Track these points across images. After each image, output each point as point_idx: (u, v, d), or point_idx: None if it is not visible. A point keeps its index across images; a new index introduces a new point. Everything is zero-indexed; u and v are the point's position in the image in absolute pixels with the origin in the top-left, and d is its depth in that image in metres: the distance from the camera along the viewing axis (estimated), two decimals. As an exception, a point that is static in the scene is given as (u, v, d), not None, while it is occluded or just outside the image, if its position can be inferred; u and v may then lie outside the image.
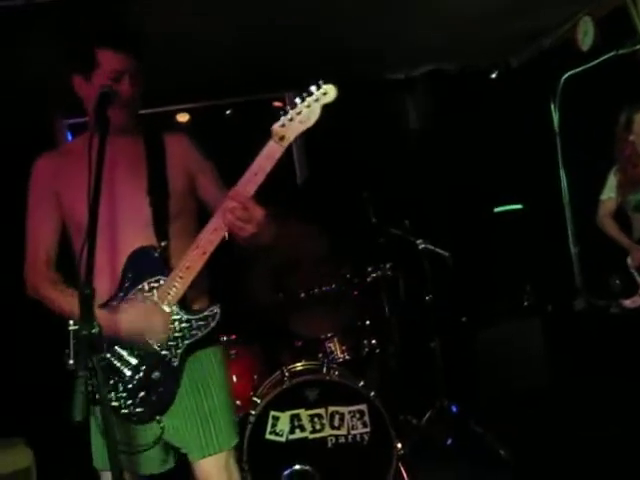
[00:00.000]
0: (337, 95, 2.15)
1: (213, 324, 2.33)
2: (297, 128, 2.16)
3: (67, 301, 2.27)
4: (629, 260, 4.09)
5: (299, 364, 3.98)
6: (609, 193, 4.24)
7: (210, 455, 2.42)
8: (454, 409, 4.41)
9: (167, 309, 2.29)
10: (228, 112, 6.15)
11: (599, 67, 4.83)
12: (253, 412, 3.70)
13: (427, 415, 4.41)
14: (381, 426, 3.66)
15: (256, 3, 4.03)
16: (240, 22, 4.26)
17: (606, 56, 4.74)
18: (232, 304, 4.43)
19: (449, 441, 4.27)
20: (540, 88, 5.50)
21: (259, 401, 3.75)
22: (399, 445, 3.77)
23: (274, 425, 3.66)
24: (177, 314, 2.30)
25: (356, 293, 4.33)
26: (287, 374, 3.84)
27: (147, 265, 2.33)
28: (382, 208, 4.55)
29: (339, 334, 4.30)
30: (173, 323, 2.30)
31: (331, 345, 4.30)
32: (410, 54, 5.41)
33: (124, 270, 2.32)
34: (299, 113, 2.15)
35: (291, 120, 2.15)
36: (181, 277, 2.27)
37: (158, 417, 2.33)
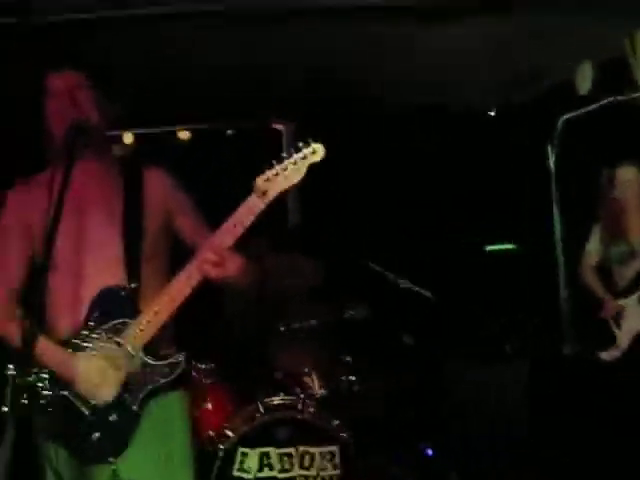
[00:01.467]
0: (324, 155, 2.10)
1: (177, 372, 2.28)
2: (281, 184, 2.11)
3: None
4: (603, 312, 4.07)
5: (275, 398, 3.92)
6: (593, 245, 4.24)
7: None
8: (430, 452, 4.34)
9: (131, 353, 2.22)
10: (229, 132, 6.15)
11: (597, 112, 4.80)
12: (222, 447, 3.64)
13: (401, 458, 4.33)
14: (351, 469, 3.61)
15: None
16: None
17: (604, 102, 4.71)
18: (212, 332, 4.46)
19: (422, 486, 4.20)
20: (538, 128, 5.46)
21: (231, 434, 3.69)
22: (369, 489, 3.71)
23: (242, 462, 3.61)
24: (142, 359, 2.23)
25: (336, 329, 4.27)
26: (261, 408, 3.79)
27: (114, 306, 2.26)
28: (369, 245, 4.51)
29: (318, 369, 4.23)
30: (135, 367, 2.23)
31: (309, 380, 4.24)
32: (408, 89, 5.38)
33: (90, 308, 2.26)
34: (285, 169, 2.10)
35: (276, 175, 2.10)
36: (149, 322, 2.21)
37: (111, 459, 2.26)
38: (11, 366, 1.97)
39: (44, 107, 2.31)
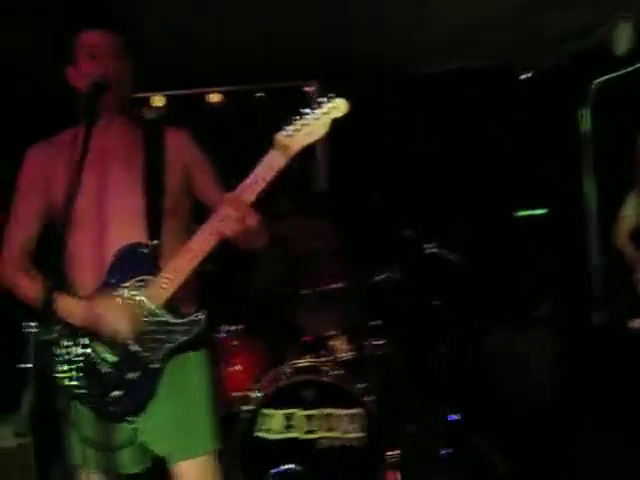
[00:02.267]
0: (347, 110, 2.05)
1: (197, 330, 2.27)
2: (303, 140, 2.07)
3: (35, 288, 2.23)
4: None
5: (301, 361, 3.93)
6: (628, 210, 4.13)
7: (187, 459, 2.36)
8: (455, 418, 4.33)
9: (152, 310, 2.23)
10: (259, 95, 6.12)
11: (633, 74, 4.67)
12: (247, 407, 3.67)
13: (426, 422, 4.34)
14: (376, 431, 3.60)
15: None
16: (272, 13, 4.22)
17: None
18: (240, 294, 4.48)
19: (447, 450, 4.19)
20: (571, 92, 5.34)
21: (257, 395, 3.72)
22: (393, 452, 3.70)
23: (267, 423, 3.62)
24: (162, 316, 2.24)
25: (363, 293, 4.26)
26: (287, 370, 3.81)
27: (135, 263, 2.26)
28: (398, 209, 4.47)
29: (345, 332, 4.24)
30: (155, 325, 2.24)
31: (336, 343, 4.25)
32: (438, 49, 5.29)
33: (111, 266, 2.26)
34: (307, 125, 2.06)
35: (297, 131, 2.06)
36: (169, 279, 2.21)
37: (130, 418, 2.28)
38: (32, 323, 1.99)
39: (74, 63, 2.30)
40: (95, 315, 2.20)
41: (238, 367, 4.19)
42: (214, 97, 5.96)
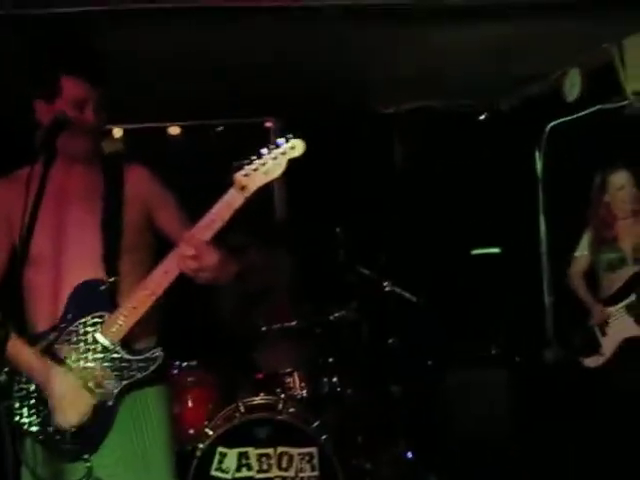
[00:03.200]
0: (303, 151, 2.11)
1: (153, 367, 2.27)
2: (260, 179, 2.11)
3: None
4: (591, 320, 4.08)
5: (256, 398, 3.93)
6: (582, 250, 4.24)
7: None
8: (409, 455, 4.34)
9: (108, 347, 2.23)
10: (219, 129, 6.15)
11: (584, 119, 4.81)
12: (201, 445, 3.65)
13: (381, 460, 4.34)
14: (330, 471, 3.61)
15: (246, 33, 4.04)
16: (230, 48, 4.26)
17: (591, 109, 4.72)
18: (196, 329, 4.46)
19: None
20: (526, 134, 5.47)
21: (210, 433, 3.70)
22: (348, 490, 3.70)
23: (221, 461, 3.62)
24: (118, 353, 2.24)
25: (319, 330, 4.28)
26: (242, 408, 3.80)
27: (92, 299, 2.27)
28: (355, 246, 4.51)
29: (299, 370, 4.24)
30: (110, 361, 2.24)
31: (290, 381, 4.25)
32: (400, 90, 5.39)
33: (68, 302, 2.26)
34: (264, 164, 2.10)
35: (255, 170, 2.10)
36: (126, 316, 2.21)
37: (85, 456, 2.26)
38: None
39: (48, 100, 2.28)
40: (47, 382, 2.21)
41: (192, 403, 4.15)
42: (173, 130, 5.97)
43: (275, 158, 2.10)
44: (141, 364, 2.26)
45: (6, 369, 1.74)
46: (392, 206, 5.74)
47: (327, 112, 5.51)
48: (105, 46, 3.69)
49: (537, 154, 5.43)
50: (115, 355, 2.24)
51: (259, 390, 4.03)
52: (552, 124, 5.14)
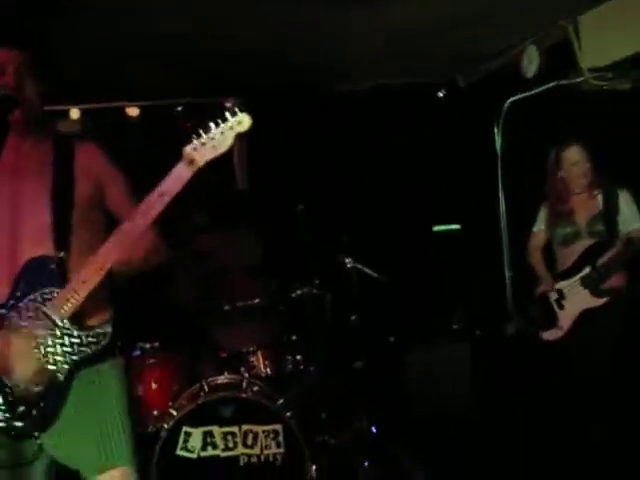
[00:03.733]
0: (250, 125, 2.13)
1: (104, 342, 2.28)
2: (208, 153, 2.13)
3: None
4: (549, 294, 4.13)
5: (220, 377, 3.93)
6: (540, 225, 4.29)
7: (102, 472, 2.32)
8: (374, 430, 4.39)
9: (57, 323, 2.22)
10: (179, 109, 6.08)
11: (541, 95, 4.86)
12: (166, 426, 3.64)
13: (345, 436, 4.38)
14: (295, 447, 3.64)
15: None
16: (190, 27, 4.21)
17: (548, 85, 4.77)
18: (156, 310, 4.43)
19: (366, 463, 4.23)
20: (485, 110, 5.50)
21: (175, 413, 3.69)
22: (313, 467, 3.72)
23: (186, 441, 3.61)
24: (67, 329, 2.23)
25: (282, 308, 4.28)
26: (206, 387, 3.80)
27: (42, 276, 2.26)
28: (317, 223, 4.51)
29: (263, 348, 4.25)
30: (60, 337, 2.22)
31: (254, 359, 4.25)
32: (356, 67, 5.39)
33: (17, 279, 2.26)
34: (212, 138, 2.12)
35: (203, 144, 2.13)
36: (76, 291, 2.20)
37: (36, 433, 2.24)
38: None
39: None
40: None
41: (155, 385, 4.14)
42: (132, 111, 5.89)
43: (223, 133, 2.13)
44: (91, 339, 2.26)
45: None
46: (353, 183, 5.76)
47: (286, 91, 5.49)
48: (62, 26, 3.70)
49: (496, 130, 5.45)
50: (65, 331, 2.23)
51: (223, 369, 4.03)
52: (511, 100, 5.17)
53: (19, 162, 2.33)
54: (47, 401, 2.24)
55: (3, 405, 2.22)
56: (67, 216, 2.32)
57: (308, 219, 4.48)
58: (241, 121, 2.13)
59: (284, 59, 4.94)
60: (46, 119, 2.44)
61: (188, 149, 2.13)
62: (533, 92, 4.92)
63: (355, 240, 4.61)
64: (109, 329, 2.29)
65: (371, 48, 4.92)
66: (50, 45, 2.49)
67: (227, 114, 2.14)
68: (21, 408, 2.22)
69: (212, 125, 2.13)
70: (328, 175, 5.67)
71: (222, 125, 2.13)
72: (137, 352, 4.17)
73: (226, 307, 4.17)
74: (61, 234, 2.30)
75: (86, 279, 2.19)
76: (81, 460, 2.34)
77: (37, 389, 2.23)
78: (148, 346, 4.21)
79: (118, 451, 2.36)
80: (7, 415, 2.22)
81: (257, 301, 4.20)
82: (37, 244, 2.28)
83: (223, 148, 2.14)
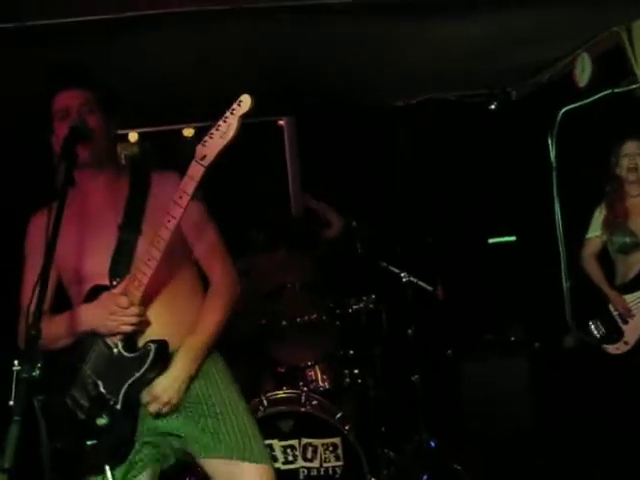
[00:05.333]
0: (252, 105, 2.15)
1: (148, 362, 2.30)
2: (217, 144, 2.15)
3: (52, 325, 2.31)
4: (611, 307, 4.04)
5: (279, 392, 3.98)
6: (594, 231, 4.21)
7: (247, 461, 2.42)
8: (432, 444, 4.38)
9: (112, 347, 2.32)
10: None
11: (596, 104, 4.81)
12: (226, 440, 3.70)
13: (404, 449, 4.38)
14: (354, 460, 3.66)
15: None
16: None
17: (602, 93, 4.72)
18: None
19: (425, 477, 4.23)
20: (538, 121, 5.47)
21: (235, 428, 3.75)
22: (372, 479, 3.74)
23: (246, 455, 3.65)
24: (119, 352, 2.30)
25: (339, 323, 4.32)
26: (265, 402, 3.84)
27: None
28: (372, 238, 4.55)
29: (321, 363, 4.29)
30: (114, 363, 2.30)
31: (312, 374, 4.30)
32: (409, 82, 5.42)
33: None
34: (218, 129, 2.15)
35: (211, 138, 2.15)
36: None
37: (107, 466, 2.27)
38: (16, 362, 2.04)
39: (52, 127, 2.39)
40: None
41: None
42: (188, 132, 6.03)
43: (226, 119, 2.14)
44: (136, 361, 2.30)
45: (39, 364, 1.79)
46: (407, 197, 5.78)
47: (338, 108, 5.55)
48: (109, 52, 3.84)
49: (550, 141, 5.42)
50: (117, 355, 2.30)
51: (282, 384, 4.09)
52: (564, 109, 5.13)
53: (91, 201, 2.42)
54: (115, 432, 2.28)
55: (75, 439, 2.27)
56: (131, 245, 2.36)
57: (363, 235, 4.51)
58: (241, 103, 2.14)
59: (336, 76, 5.01)
60: (117, 154, 2.53)
61: (199, 146, 2.16)
62: (587, 101, 4.89)
63: (410, 254, 4.62)
64: (151, 347, 2.31)
65: (423, 62, 4.95)
66: (108, 80, 2.57)
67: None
68: (91, 442, 2.27)
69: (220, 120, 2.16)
70: (382, 189, 5.71)
71: (226, 113, 2.15)
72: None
73: (284, 323, 4.22)
74: (120, 262, 2.35)
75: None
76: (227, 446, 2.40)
77: (101, 422, 2.27)
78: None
79: (259, 449, 2.49)
80: (80, 449, 2.27)
81: (314, 317, 4.24)
82: (99, 274, 2.35)
83: (230, 135, 2.14)
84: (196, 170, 2.16)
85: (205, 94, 5.08)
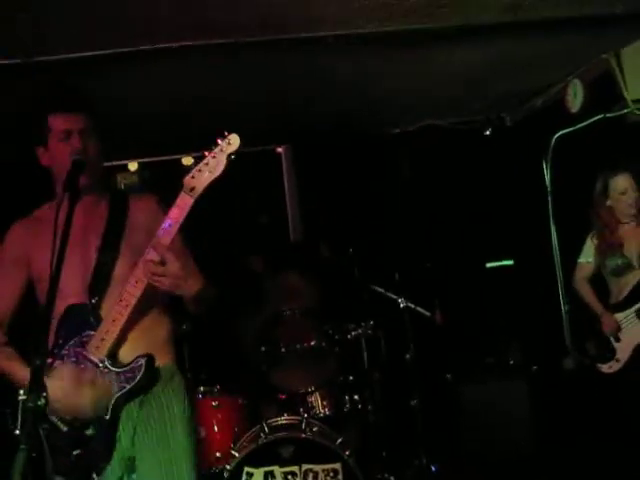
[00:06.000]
0: (239, 146, 2.26)
1: (139, 375, 2.36)
2: (206, 178, 2.26)
3: (8, 365, 2.41)
4: (602, 326, 4.10)
5: (280, 419, 4.01)
6: (587, 257, 4.26)
7: None
8: (433, 469, 4.40)
9: (98, 363, 2.34)
10: (232, 157, 6.25)
11: (588, 129, 4.89)
12: (228, 467, 3.74)
13: (405, 474, 4.40)
14: (356, 485, 3.68)
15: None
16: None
17: (594, 118, 4.80)
18: (217, 355, 4.56)
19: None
20: (533, 146, 5.55)
21: (237, 454, 3.78)
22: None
23: (248, 481, 3.69)
24: (106, 367, 2.35)
25: (338, 349, 4.36)
26: (266, 429, 3.87)
27: (78, 322, 2.40)
28: (369, 265, 4.60)
29: (321, 389, 4.32)
30: (102, 377, 2.35)
31: (312, 400, 4.33)
32: (405, 110, 5.51)
33: (57, 327, 2.40)
34: (207, 164, 2.25)
35: (200, 172, 2.26)
36: (108, 331, 2.33)
37: (94, 476, 2.34)
38: (21, 391, 2.10)
39: (44, 145, 2.45)
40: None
41: (217, 427, 4.24)
42: (187, 160, 6.10)
43: (215, 157, 2.25)
44: (128, 375, 2.36)
45: (45, 393, 1.84)
46: (404, 224, 5.84)
47: (335, 136, 5.64)
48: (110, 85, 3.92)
49: (544, 165, 5.50)
50: (104, 370, 2.35)
51: (282, 410, 4.12)
52: (558, 134, 5.21)
53: (77, 217, 2.40)
54: (99, 441, 2.35)
55: (60, 450, 2.33)
56: (109, 266, 2.43)
57: (360, 261, 4.56)
58: (230, 142, 2.26)
59: (334, 105, 5.09)
60: (105, 176, 2.59)
61: (187, 178, 2.26)
62: (580, 126, 4.97)
63: (408, 280, 4.67)
64: (142, 361, 2.37)
65: (421, 91, 5.04)
66: (107, 107, 2.66)
67: (218, 139, 2.27)
68: (76, 452, 2.33)
69: (206, 153, 2.27)
70: (380, 215, 5.77)
71: (214, 150, 2.26)
72: (199, 396, 4.28)
73: (283, 350, 4.26)
74: (98, 282, 2.41)
75: (115, 317, 2.32)
76: None
77: (88, 432, 2.33)
78: (210, 390, 4.33)
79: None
80: (65, 460, 2.33)
81: (313, 343, 4.28)
82: (77, 293, 2.41)
83: (218, 171, 2.26)
84: (185, 201, 2.27)
85: (204, 125, 5.17)
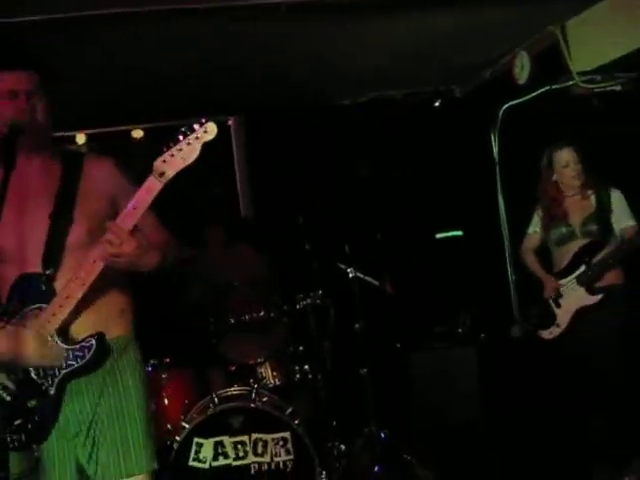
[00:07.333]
0: (216, 134, 2.16)
1: (89, 355, 2.31)
2: (178, 164, 2.17)
3: None
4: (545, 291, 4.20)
5: (230, 389, 4.03)
6: (534, 227, 4.34)
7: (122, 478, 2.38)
8: (383, 436, 4.45)
9: (45, 338, 2.28)
10: (182, 129, 6.20)
11: (535, 100, 4.95)
12: (177, 438, 3.74)
13: (355, 442, 4.45)
14: (304, 454, 3.72)
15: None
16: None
17: (541, 90, 4.86)
18: (166, 327, 4.54)
19: (376, 468, 4.30)
20: (481, 118, 5.60)
21: (186, 426, 3.79)
22: (323, 472, 3.81)
23: (198, 452, 3.70)
24: (55, 343, 2.30)
25: (287, 319, 4.37)
26: (216, 400, 3.89)
27: (30, 293, 2.32)
28: (318, 235, 4.60)
29: (270, 360, 4.34)
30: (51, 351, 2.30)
31: (262, 370, 4.36)
32: (355, 81, 5.50)
33: (8, 296, 2.34)
34: (180, 150, 2.16)
35: (172, 156, 2.16)
36: (61, 306, 2.27)
37: (34, 446, 2.31)
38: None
39: None
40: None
41: (168, 400, 4.24)
42: (137, 133, 6.03)
43: (190, 143, 2.15)
44: (77, 353, 2.30)
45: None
46: (353, 194, 5.87)
47: (285, 108, 5.62)
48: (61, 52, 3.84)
49: (492, 136, 5.56)
50: (53, 345, 2.29)
51: (233, 381, 4.14)
52: (506, 106, 5.26)
53: (27, 182, 2.37)
54: (41, 414, 2.31)
55: (1, 419, 2.29)
56: (63, 233, 2.35)
57: (309, 230, 4.56)
58: (207, 130, 2.16)
59: (284, 76, 5.06)
60: (54, 139, 2.48)
61: (158, 162, 2.16)
62: (526, 98, 5.03)
63: (357, 249, 4.68)
64: (93, 341, 2.31)
65: (369, 62, 5.03)
66: (58, 67, 2.56)
67: (194, 125, 2.17)
68: (17, 421, 2.29)
69: (180, 137, 2.16)
70: (329, 186, 5.78)
71: (189, 136, 2.16)
72: (149, 368, 4.26)
73: (232, 321, 4.26)
74: (53, 251, 2.33)
75: (69, 294, 2.25)
76: (101, 466, 2.37)
77: (30, 403, 2.30)
78: (160, 362, 4.31)
79: (139, 459, 2.41)
80: (5, 428, 2.29)
81: (262, 314, 4.29)
82: (30, 262, 2.32)
83: (191, 158, 2.16)
84: (153, 185, 2.18)
85: (153, 96, 5.11)
